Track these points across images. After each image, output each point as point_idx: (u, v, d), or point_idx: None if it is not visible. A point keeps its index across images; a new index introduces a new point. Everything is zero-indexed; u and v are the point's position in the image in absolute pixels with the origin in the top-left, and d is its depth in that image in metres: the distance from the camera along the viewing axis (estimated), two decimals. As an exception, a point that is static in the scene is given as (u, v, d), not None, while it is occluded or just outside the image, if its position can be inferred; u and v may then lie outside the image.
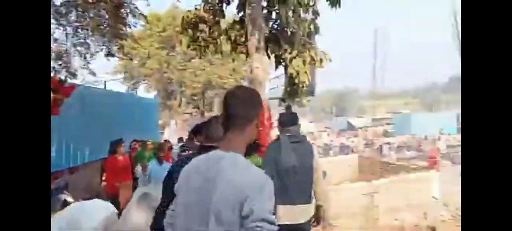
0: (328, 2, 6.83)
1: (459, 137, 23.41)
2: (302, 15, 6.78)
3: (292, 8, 6.50)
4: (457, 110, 37.34)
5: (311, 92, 7.48)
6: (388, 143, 20.53)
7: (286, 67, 6.91)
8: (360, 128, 34.32)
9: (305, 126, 40.36)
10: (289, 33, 6.88)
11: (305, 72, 6.60)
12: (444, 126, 25.82)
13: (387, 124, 33.42)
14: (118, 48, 7.63)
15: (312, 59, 6.72)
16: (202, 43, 7.47)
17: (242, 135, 1.31)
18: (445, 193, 10.61)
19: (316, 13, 7.00)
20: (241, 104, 1.30)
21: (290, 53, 6.62)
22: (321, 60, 6.82)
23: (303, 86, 6.70)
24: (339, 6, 6.70)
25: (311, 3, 6.74)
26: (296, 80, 6.64)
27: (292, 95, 7.15)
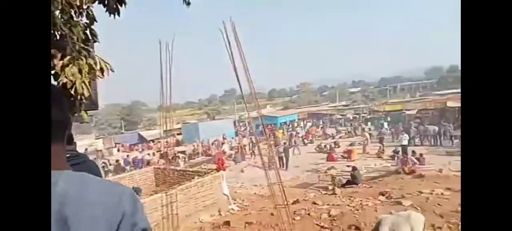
0: (106, 9, 6.40)
1: (237, 139, 27.56)
2: (75, 18, 6.01)
3: (59, 7, 5.61)
4: (234, 117, 44.06)
5: (93, 106, 6.71)
6: (182, 152, 21.44)
7: (56, 76, 5.87)
8: (152, 140, 34.10)
9: (92, 142, 36.00)
10: (58, 36, 5.90)
11: (84, 82, 5.83)
12: (225, 131, 29.73)
13: (178, 134, 34.95)
14: None
15: (91, 68, 6.05)
16: None
17: (62, 146, 0.94)
18: (232, 189, 12.15)
19: (92, 19, 6.38)
20: (53, 105, 0.92)
21: (61, 59, 5.70)
22: (101, 70, 6.24)
23: (82, 99, 5.90)
24: (119, 15, 6.45)
25: (84, 6, 6.09)
26: (72, 92, 5.76)
27: (69, 109, 6.14)
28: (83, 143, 36.11)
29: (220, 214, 9.29)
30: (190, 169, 12.17)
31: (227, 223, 7.99)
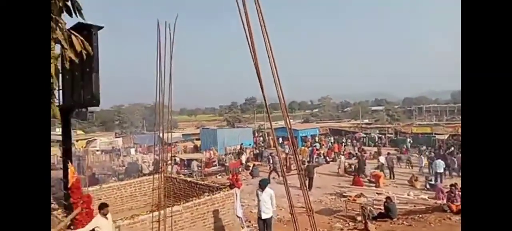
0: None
1: (254, 150, 26.35)
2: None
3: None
4: (252, 126, 42.92)
5: (95, 102, 5.73)
6: (196, 160, 20.43)
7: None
8: (170, 143, 33.48)
9: (111, 141, 35.90)
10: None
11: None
12: (243, 140, 28.60)
13: (196, 139, 34.13)
14: None
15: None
16: None
17: None
18: (247, 209, 10.91)
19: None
20: None
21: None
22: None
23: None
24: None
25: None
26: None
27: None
28: (103, 140, 36.08)
29: (229, 240, 8.07)
30: (202, 182, 11.01)
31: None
